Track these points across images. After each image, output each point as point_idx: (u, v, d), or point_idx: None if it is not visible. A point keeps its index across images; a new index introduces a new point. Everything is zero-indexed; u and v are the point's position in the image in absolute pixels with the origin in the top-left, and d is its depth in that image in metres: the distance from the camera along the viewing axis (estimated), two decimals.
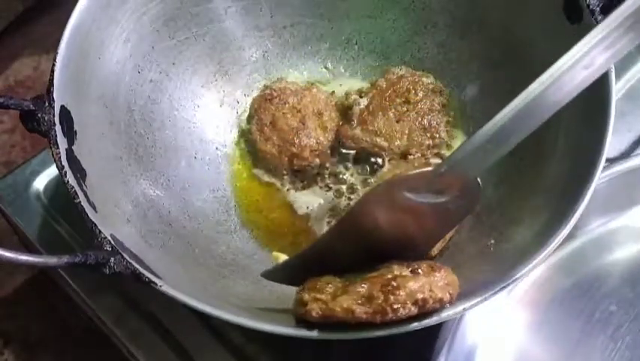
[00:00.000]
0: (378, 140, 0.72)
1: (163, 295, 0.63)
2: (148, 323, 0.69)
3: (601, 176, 0.58)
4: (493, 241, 0.62)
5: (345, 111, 0.75)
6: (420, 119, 0.72)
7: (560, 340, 0.66)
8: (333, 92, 0.77)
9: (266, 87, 0.76)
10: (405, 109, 0.73)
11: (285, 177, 0.73)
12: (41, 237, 0.74)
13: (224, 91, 0.76)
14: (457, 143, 0.73)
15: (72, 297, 0.72)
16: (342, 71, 0.79)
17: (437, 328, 0.63)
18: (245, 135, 0.75)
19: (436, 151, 0.72)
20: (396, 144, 0.72)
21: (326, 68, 0.80)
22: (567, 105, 0.64)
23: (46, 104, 0.58)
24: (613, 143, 0.62)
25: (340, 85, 0.78)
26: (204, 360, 0.68)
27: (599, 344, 0.66)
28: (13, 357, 0.77)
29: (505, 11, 0.71)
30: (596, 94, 0.61)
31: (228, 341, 0.68)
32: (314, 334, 0.53)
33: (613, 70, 0.61)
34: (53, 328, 0.78)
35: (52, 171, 0.77)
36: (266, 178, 0.73)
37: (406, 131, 0.72)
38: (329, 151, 0.74)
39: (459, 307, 0.53)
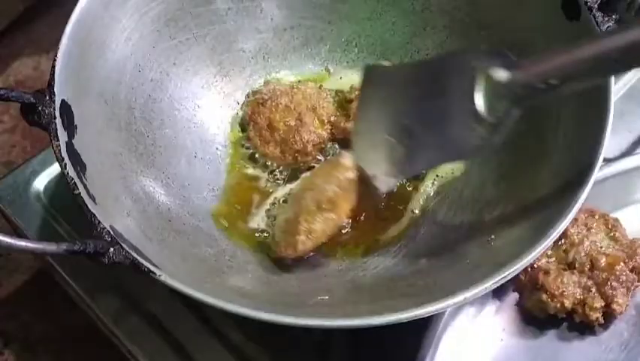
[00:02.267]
0: None
1: (163, 293, 0.63)
2: (148, 323, 0.69)
3: (598, 175, 0.59)
4: (493, 236, 0.62)
5: (342, 104, 0.75)
6: None
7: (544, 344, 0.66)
8: (321, 85, 0.77)
9: (255, 92, 0.76)
10: None
11: (284, 173, 0.73)
12: (41, 237, 0.73)
13: (224, 92, 0.76)
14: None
15: (72, 297, 0.72)
16: (342, 72, 0.79)
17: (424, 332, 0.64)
18: (244, 139, 0.75)
19: None
20: None
21: (326, 69, 0.80)
22: (567, 104, 0.65)
23: (47, 97, 0.58)
24: (613, 143, 0.62)
25: (340, 87, 0.78)
26: (204, 360, 0.68)
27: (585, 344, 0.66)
28: (13, 357, 0.77)
29: (504, 11, 0.71)
30: (596, 93, 0.61)
31: (228, 341, 0.68)
32: (313, 322, 0.53)
33: None
34: (53, 328, 0.78)
35: (52, 171, 0.77)
36: (265, 177, 0.73)
37: None
38: (329, 144, 0.74)
39: (460, 297, 0.53)
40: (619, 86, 0.79)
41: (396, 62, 0.77)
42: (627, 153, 0.76)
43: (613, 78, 0.61)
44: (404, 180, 0.71)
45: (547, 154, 0.65)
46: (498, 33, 0.72)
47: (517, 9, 0.70)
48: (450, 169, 0.72)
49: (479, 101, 0.57)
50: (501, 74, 0.56)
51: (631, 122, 0.79)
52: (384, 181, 0.65)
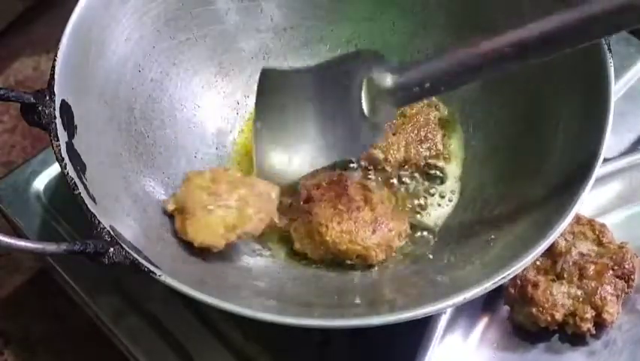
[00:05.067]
0: (374, 152, 0.72)
1: (163, 293, 0.63)
2: (148, 322, 0.69)
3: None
4: (493, 236, 0.62)
5: None
6: (416, 131, 0.72)
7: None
8: None
9: None
10: (401, 122, 0.73)
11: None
12: (41, 237, 0.73)
13: (224, 92, 0.76)
14: (454, 155, 0.73)
15: (72, 297, 0.72)
16: None
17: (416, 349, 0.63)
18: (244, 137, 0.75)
19: (433, 162, 0.72)
20: (393, 155, 0.72)
21: None
22: (567, 103, 0.65)
23: (47, 97, 0.58)
24: (613, 143, 0.62)
25: None
26: (204, 360, 0.68)
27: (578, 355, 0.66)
28: (13, 357, 0.77)
29: (503, 9, 0.71)
30: (596, 92, 0.62)
31: (228, 341, 0.68)
32: (313, 323, 0.54)
33: (612, 68, 0.61)
34: (53, 328, 0.78)
35: (52, 171, 0.77)
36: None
37: (403, 144, 0.72)
38: None
39: (460, 297, 0.53)
40: (619, 86, 0.79)
41: (395, 63, 0.77)
42: (627, 153, 0.75)
43: (613, 78, 0.61)
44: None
45: (547, 154, 0.65)
46: (498, 31, 0.72)
47: (516, 6, 0.70)
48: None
49: (365, 105, 0.64)
50: (385, 80, 0.64)
51: (631, 122, 0.78)
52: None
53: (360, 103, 0.64)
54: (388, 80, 0.64)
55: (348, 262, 0.66)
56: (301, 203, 0.68)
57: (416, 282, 0.63)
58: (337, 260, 0.66)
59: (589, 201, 0.68)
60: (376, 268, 0.66)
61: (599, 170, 0.59)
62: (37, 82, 0.95)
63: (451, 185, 0.71)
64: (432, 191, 0.71)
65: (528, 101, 0.69)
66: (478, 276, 0.55)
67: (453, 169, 0.72)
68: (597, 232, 0.68)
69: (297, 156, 0.69)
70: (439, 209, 0.70)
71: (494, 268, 0.55)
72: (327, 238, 0.65)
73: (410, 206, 0.71)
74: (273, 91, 0.71)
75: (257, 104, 0.71)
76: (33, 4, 0.98)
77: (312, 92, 0.69)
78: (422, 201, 0.71)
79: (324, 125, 0.68)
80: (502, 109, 0.71)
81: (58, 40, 0.61)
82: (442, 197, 0.71)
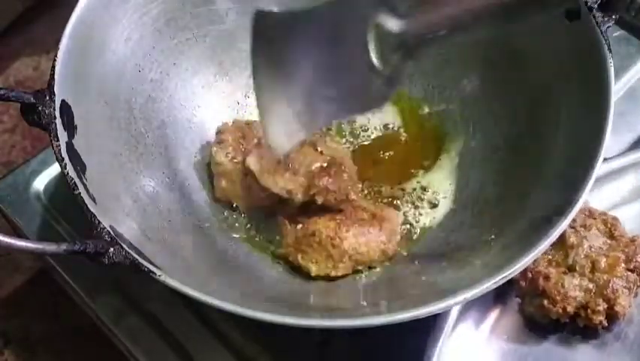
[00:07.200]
0: None
1: (163, 293, 0.63)
2: (148, 323, 0.69)
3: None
4: (493, 236, 0.62)
5: None
6: None
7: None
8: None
9: None
10: None
11: None
12: (41, 237, 0.73)
13: (224, 92, 0.76)
14: (455, 155, 0.73)
15: (72, 297, 0.72)
16: None
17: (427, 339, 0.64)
18: None
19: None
20: None
21: None
22: (567, 103, 0.65)
23: (47, 97, 0.58)
24: (613, 143, 0.62)
25: None
26: (204, 360, 0.68)
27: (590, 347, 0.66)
28: (13, 357, 0.77)
29: None
30: (596, 92, 0.62)
31: (228, 341, 0.68)
32: (313, 323, 0.54)
33: (612, 68, 0.61)
34: (53, 328, 0.78)
35: (52, 171, 0.77)
36: None
37: None
38: None
39: (460, 297, 0.53)
40: (619, 86, 0.79)
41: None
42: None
43: (613, 78, 0.61)
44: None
45: (547, 154, 0.65)
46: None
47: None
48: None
49: (374, 55, 0.56)
50: (392, 24, 0.55)
51: (631, 122, 0.78)
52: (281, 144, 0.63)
53: (369, 52, 0.56)
54: (396, 24, 0.55)
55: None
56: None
57: (417, 282, 0.63)
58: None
59: (601, 195, 0.69)
60: (378, 269, 0.66)
61: (612, 163, 0.59)
62: (37, 82, 0.95)
63: (452, 185, 0.72)
64: (433, 191, 0.72)
65: (528, 102, 0.69)
66: (479, 276, 0.55)
67: (455, 169, 0.72)
68: (609, 225, 0.68)
69: (304, 112, 0.62)
70: (440, 209, 0.70)
71: (495, 268, 0.55)
72: (345, 247, 0.65)
73: (411, 206, 0.71)
74: (269, 40, 0.62)
75: (253, 54, 0.62)
76: (33, 4, 0.99)
77: (312, 38, 0.60)
78: (424, 200, 0.71)
79: (329, 76, 0.60)
80: (502, 109, 0.71)
81: (58, 40, 0.61)
82: (444, 197, 0.71)
